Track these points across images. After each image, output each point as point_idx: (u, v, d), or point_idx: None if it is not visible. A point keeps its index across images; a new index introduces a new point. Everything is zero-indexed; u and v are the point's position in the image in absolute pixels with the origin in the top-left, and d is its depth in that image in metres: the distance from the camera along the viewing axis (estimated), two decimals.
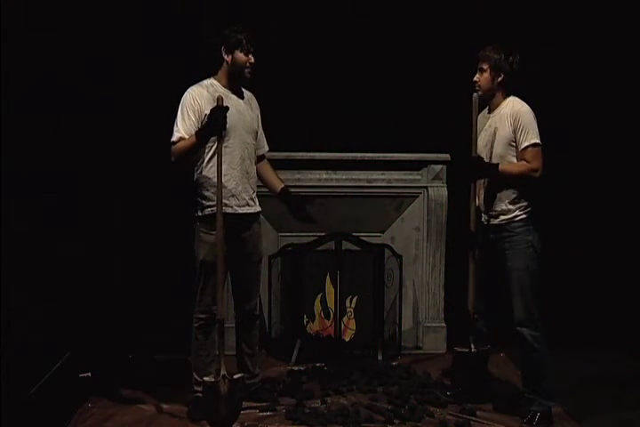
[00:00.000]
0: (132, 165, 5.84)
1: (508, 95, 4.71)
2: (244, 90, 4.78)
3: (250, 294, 4.86)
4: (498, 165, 4.60)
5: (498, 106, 4.70)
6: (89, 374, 5.30)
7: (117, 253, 5.94)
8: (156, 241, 5.84)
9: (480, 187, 4.72)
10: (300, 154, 5.87)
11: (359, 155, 5.93)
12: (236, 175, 4.66)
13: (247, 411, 4.71)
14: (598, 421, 4.81)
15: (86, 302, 5.80)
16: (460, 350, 4.91)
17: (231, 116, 4.52)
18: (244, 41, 4.61)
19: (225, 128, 4.49)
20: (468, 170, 4.66)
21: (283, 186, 4.91)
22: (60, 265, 5.67)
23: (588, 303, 6.08)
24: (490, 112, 4.75)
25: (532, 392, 4.69)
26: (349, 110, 5.94)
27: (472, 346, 4.83)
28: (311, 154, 5.89)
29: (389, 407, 4.87)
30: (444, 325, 5.96)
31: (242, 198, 4.69)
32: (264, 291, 5.79)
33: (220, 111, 4.44)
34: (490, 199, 4.69)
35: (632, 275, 6.18)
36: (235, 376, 4.49)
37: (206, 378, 4.47)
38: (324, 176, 5.94)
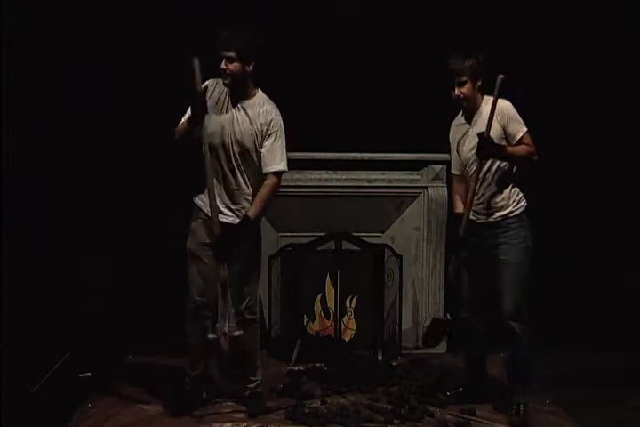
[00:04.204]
0: (134, 160, 5.84)
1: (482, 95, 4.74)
2: (262, 103, 4.58)
3: (239, 296, 4.72)
4: (505, 146, 4.61)
5: (477, 109, 4.71)
6: (89, 374, 5.30)
7: (117, 252, 5.93)
8: (157, 240, 5.84)
9: (474, 184, 4.71)
10: (300, 154, 5.86)
11: (359, 155, 5.93)
12: (213, 184, 4.55)
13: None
14: (597, 421, 4.82)
15: (86, 301, 5.80)
16: (437, 317, 5.09)
17: (218, 123, 4.50)
18: (219, 48, 4.45)
19: (201, 113, 4.41)
20: (479, 148, 4.59)
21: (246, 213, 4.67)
22: (60, 265, 5.68)
23: (587, 303, 6.08)
24: (467, 117, 4.75)
25: (517, 384, 4.76)
26: (349, 110, 5.94)
27: (448, 315, 4.95)
28: (311, 154, 5.89)
29: (389, 407, 4.88)
30: None
31: (213, 205, 4.54)
32: (264, 291, 5.79)
33: (197, 97, 4.37)
34: (485, 196, 4.70)
35: (631, 274, 6.18)
36: (235, 333, 4.52)
37: (210, 336, 4.53)
38: (324, 176, 5.94)
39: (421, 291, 6.00)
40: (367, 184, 5.96)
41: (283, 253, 5.85)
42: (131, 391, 5.07)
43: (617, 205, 6.20)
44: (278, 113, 4.62)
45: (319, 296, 5.91)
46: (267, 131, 4.56)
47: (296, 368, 5.54)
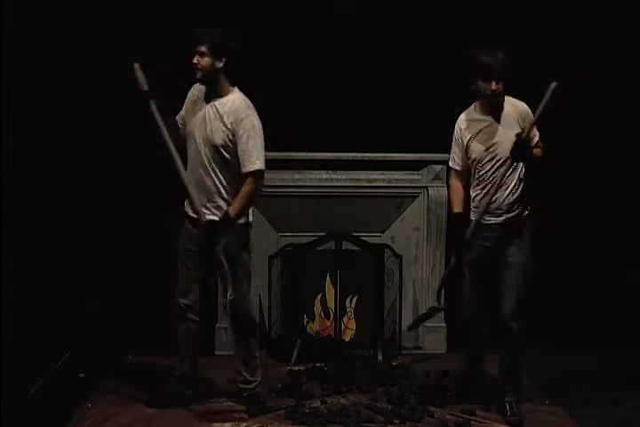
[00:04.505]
0: (134, 160, 5.84)
1: None
2: (234, 101, 4.58)
3: (226, 295, 4.69)
4: (532, 147, 4.63)
5: (501, 107, 4.67)
6: (84, 375, 5.31)
7: (117, 252, 5.94)
8: (157, 240, 5.84)
9: (495, 186, 4.67)
10: (300, 154, 5.87)
11: (359, 155, 5.93)
12: (189, 180, 4.61)
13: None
14: (597, 421, 4.82)
15: (86, 301, 5.80)
16: (435, 306, 5.16)
17: (193, 122, 4.59)
18: (194, 42, 4.53)
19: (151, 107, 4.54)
20: (515, 148, 4.55)
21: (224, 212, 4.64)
22: (60, 265, 5.68)
23: (587, 303, 6.08)
24: (489, 115, 4.68)
25: (510, 383, 4.79)
26: (349, 110, 5.94)
27: (442, 304, 5.12)
28: (311, 154, 5.89)
29: (389, 407, 4.88)
30: (443, 325, 5.96)
31: (191, 195, 4.61)
32: (264, 291, 5.80)
33: (145, 99, 4.55)
34: (497, 196, 4.68)
35: (632, 274, 6.19)
36: (230, 298, 4.54)
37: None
38: (324, 176, 5.94)
39: (421, 291, 6.00)
40: (367, 184, 5.95)
41: (283, 253, 5.85)
42: (131, 391, 5.07)
43: (618, 206, 6.20)
44: (251, 111, 4.58)
45: (319, 296, 5.90)
46: (238, 130, 4.54)
47: (296, 368, 5.54)
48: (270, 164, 5.65)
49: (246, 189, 4.56)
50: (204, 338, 5.13)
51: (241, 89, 4.69)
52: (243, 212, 4.62)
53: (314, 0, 5.91)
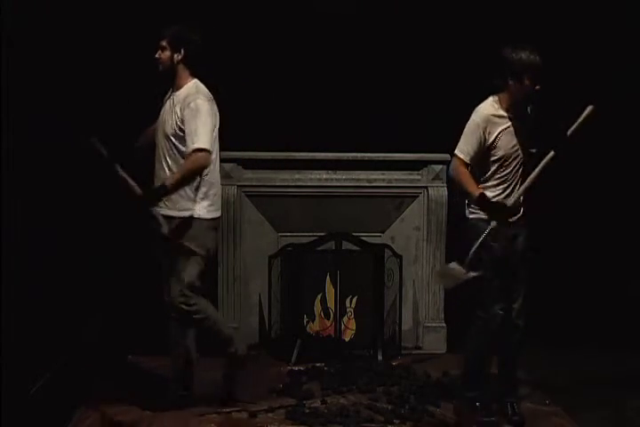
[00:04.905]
0: (134, 160, 5.85)
1: None
2: (188, 91, 4.64)
3: (169, 287, 4.71)
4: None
5: (525, 107, 4.64)
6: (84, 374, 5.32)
7: (118, 252, 5.94)
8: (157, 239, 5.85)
9: (530, 183, 4.59)
10: (300, 154, 5.87)
11: (359, 155, 5.93)
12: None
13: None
14: (597, 420, 4.82)
15: (86, 301, 5.80)
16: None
17: (158, 120, 4.68)
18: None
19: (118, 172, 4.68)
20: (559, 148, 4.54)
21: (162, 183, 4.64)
22: (60, 265, 5.68)
23: (587, 303, 6.09)
24: (511, 112, 4.58)
25: (510, 383, 4.77)
26: (349, 110, 5.95)
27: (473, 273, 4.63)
28: (311, 154, 5.89)
29: (389, 407, 4.88)
30: (443, 325, 5.96)
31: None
32: (264, 291, 5.81)
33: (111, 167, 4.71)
34: (520, 196, 4.67)
35: (632, 274, 6.19)
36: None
37: None
38: (324, 176, 5.94)
39: (421, 291, 6.00)
40: (367, 184, 5.96)
41: (283, 253, 5.85)
42: (131, 391, 5.06)
43: (622, 213, 6.21)
44: (200, 96, 4.60)
45: (319, 296, 5.90)
46: (185, 115, 4.55)
47: (296, 368, 5.54)
48: (270, 164, 5.68)
49: (185, 165, 4.54)
50: (204, 338, 5.12)
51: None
52: (177, 185, 4.55)
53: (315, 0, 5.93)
